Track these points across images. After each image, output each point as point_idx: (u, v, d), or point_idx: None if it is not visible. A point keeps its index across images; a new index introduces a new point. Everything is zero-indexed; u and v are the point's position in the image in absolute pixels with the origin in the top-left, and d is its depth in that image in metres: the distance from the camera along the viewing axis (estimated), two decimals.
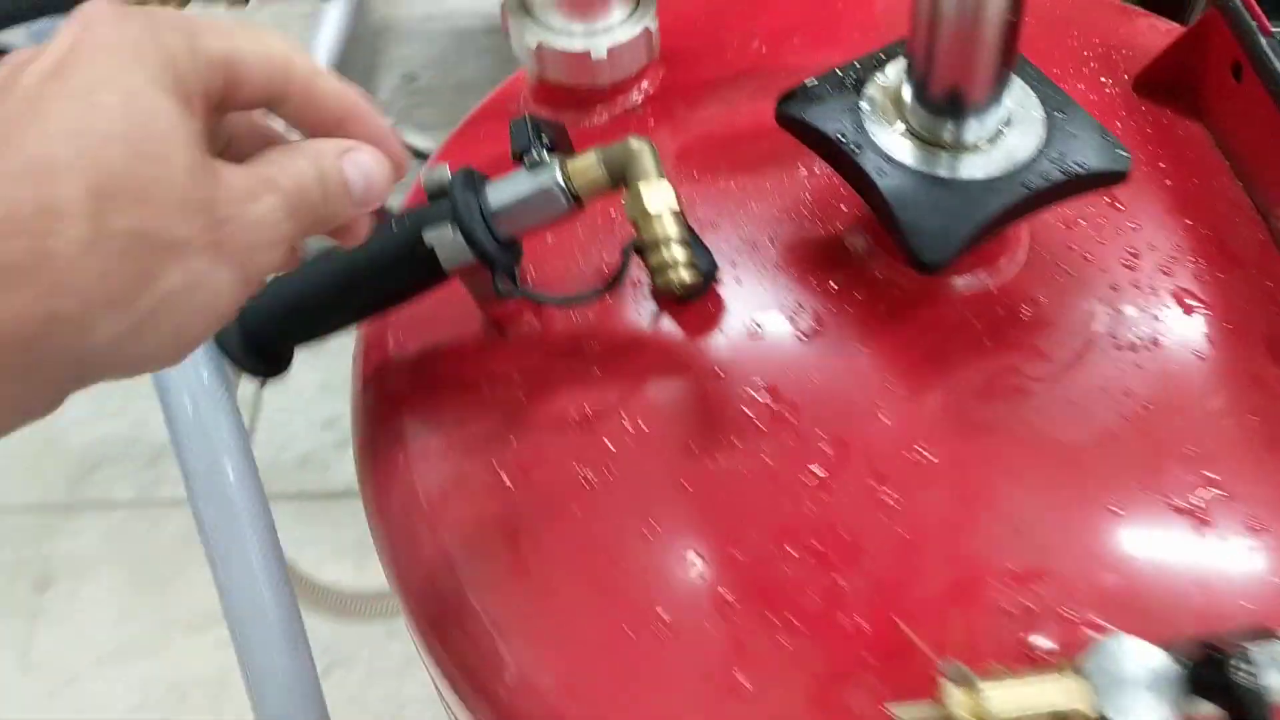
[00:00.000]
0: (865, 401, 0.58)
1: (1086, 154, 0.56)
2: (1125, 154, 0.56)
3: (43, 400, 0.38)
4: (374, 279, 0.59)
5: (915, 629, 0.53)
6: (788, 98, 0.59)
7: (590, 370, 0.61)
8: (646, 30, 0.67)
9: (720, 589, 0.54)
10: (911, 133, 0.56)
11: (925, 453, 0.56)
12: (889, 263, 0.61)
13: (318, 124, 0.45)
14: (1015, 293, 0.60)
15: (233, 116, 0.45)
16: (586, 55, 0.66)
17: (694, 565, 0.55)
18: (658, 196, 0.55)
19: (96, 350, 0.37)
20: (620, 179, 0.56)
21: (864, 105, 0.58)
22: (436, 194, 0.59)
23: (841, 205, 0.64)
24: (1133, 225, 0.63)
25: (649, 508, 0.56)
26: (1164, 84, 0.69)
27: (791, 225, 0.64)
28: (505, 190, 0.57)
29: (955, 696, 0.46)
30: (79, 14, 0.40)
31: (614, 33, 0.67)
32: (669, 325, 0.61)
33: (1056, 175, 0.55)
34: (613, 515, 0.57)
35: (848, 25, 0.76)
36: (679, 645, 0.53)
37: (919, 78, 0.55)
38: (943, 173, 0.55)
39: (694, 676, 0.52)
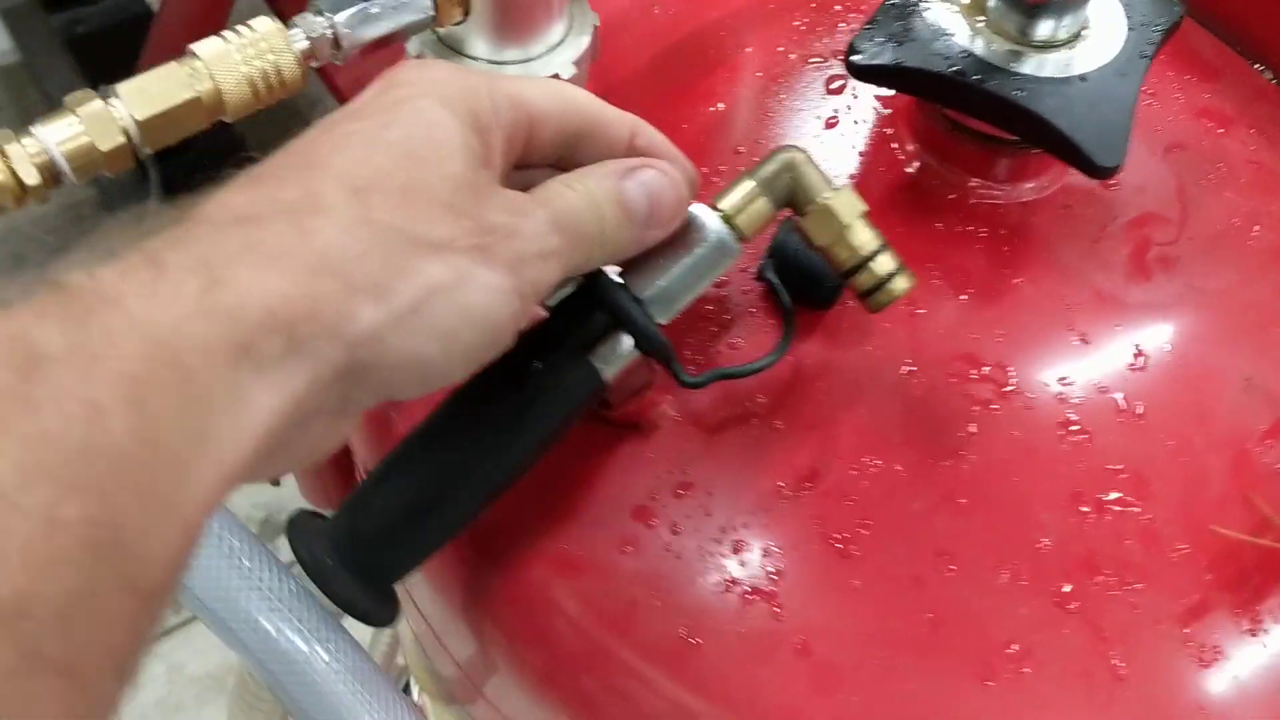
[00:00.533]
0: (1060, 329, 0.54)
1: (1156, 12, 0.54)
2: (1178, 4, 0.55)
3: (327, 403, 0.36)
4: (519, 437, 0.46)
5: (1226, 525, 0.51)
6: (856, 51, 0.52)
7: (771, 427, 0.51)
8: (595, 27, 0.55)
9: (1053, 586, 0.49)
10: (1013, 40, 0.51)
11: (1139, 353, 0.53)
12: (964, 179, 0.57)
13: (612, 154, 0.44)
14: None
15: (538, 176, 0.43)
16: (556, 79, 0.54)
17: (1011, 580, 0.49)
18: (846, 206, 0.46)
19: (361, 339, 0.35)
20: (785, 201, 0.47)
21: (947, 29, 0.52)
22: (558, 307, 0.46)
23: (891, 144, 0.58)
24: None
25: (933, 544, 0.49)
26: None
27: (856, 181, 0.57)
28: (660, 268, 0.46)
29: None
30: (388, 70, 0.41)
31: (568, 43, 0.55)
32: (819, 342, 0.53)
33: (1156, 37, 0.53)
34: (901, 573, 0.49)
35: None
36: (1044, 673, 0.48)
37: None
38: (1072, 71, 0.51)
39: (1077, 699, 0.47)
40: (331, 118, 0.39)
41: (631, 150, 0.45)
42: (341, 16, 0.47)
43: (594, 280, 0.45)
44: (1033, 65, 0.51)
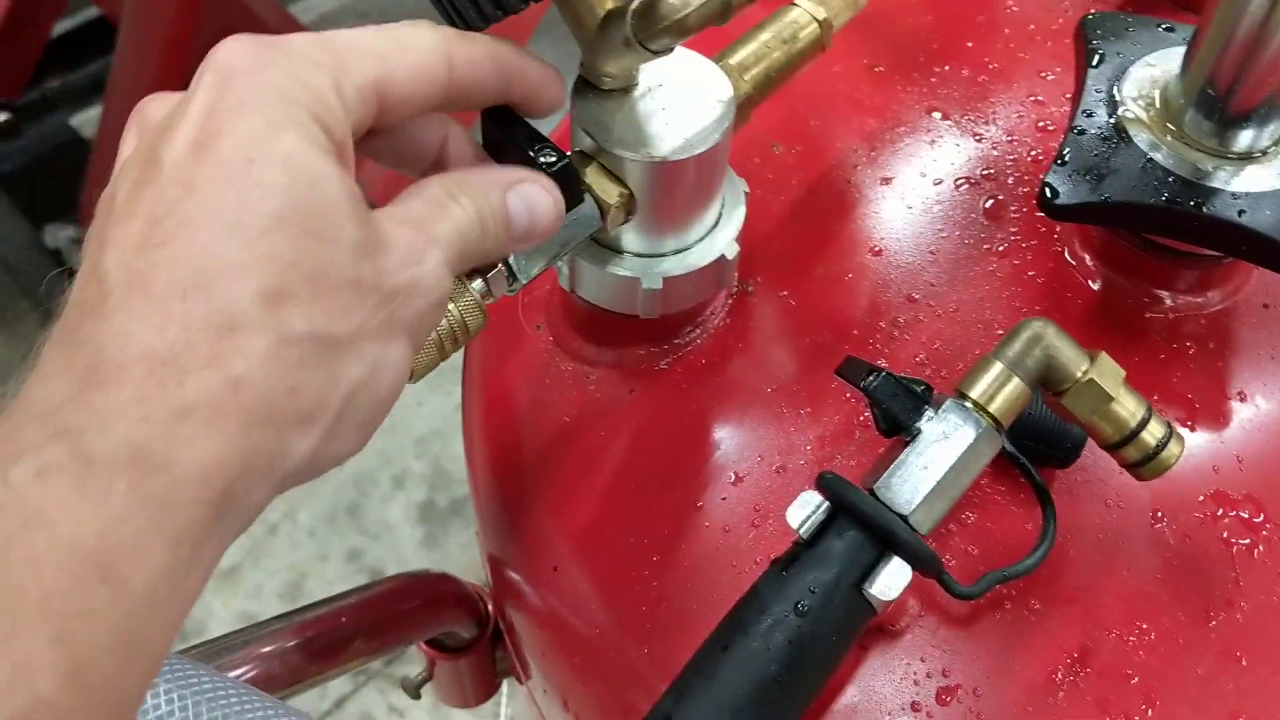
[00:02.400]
0: None
1: None
2: None
3: (235, 535, 0.34)
4: (797, 691, 0.41)
5: None
6: (1052, 191, 0.48)
7: (1029, 608, 0.47)
8: (746, 195, 0.51)
9: None
10: (1213, 153, 0.48)
11: None
12: (1155, 294, 0.53)
13: (479, 102, 0.42)
14: None
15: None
16: (722, 260, 0.49)
17: None
18: (1110, 377, 0.42)
19: (294, 470, 0.35)
20: (1038, 379, 0.43)
21: (1144, 151, 0.48)
22: (818, 534, 0.42)
23: (1069, 263, 0.54)
24: None
25: (1224, 708, 0.45)
26: None
27: (1044, 310, 0.53)
28: (922, 479, 0.41)
29: None
30: (213, 61, 0.36)
31: (725, 219, 0.50)
32: (1060, 504, 0.48)
33: None
34: None
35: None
36: None
37: (1221, 97, 0.46)
38: None
39: None
40: (178, 154, 0.34)
41: (508, 100, 0.42)
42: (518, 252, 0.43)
43: (856, 504, 0.41)
44: (1244, 180, 0.47)
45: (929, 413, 0.42)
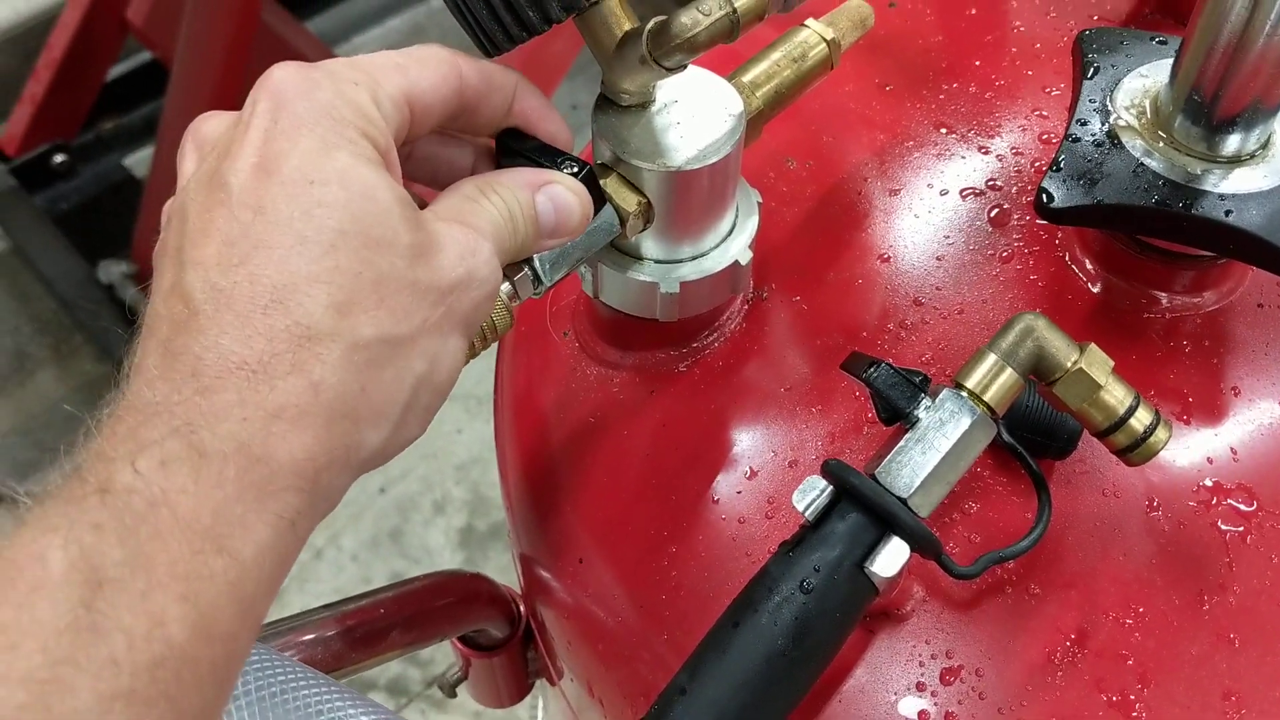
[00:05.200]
0: None
1: None
2: None
3: (323, 515, 0.39)
4: (802, 666, 0.44)
5: None
6: (1048, 195, 0.50)
7: (1028, 592, 0.49)
8: (759, 205, 0.54)
9: None
10: (1202, 157, 0.50)
11: None
12: (1153, 296, 0.55)
13: (488, 124, 0.46)
14: None
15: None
16: (736, 265, 0.52)
17: None
18: (1098, 366, 0.45)
19: (368, 459, 0.39)
20: (1030, 369, 0.45)
21: (1135, 157, 0.51)
22: (822, 516, 0.44)
23: (1070, 268, 0.57)
24: None
25: (1217, 687, 0.47)
26: None
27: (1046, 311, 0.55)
28: (921, 463, 0.44)
29: None
30: (265, 86, 0.40)
31: (739, 228, 0.54)
32: (1057, 493, 0.51)
33: None
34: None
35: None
36: None
37: (1207, 103, 0.49)
38: (1272, 181, 0.50)
39: None
40: (242, 178, 0.38)
41: (512, 117, 0.46)
42: (542, 256, 0.46)
43: (858, 487, 0.44)
44: (1232, 182, 0.50)
45: (926, 401, 0.45)
